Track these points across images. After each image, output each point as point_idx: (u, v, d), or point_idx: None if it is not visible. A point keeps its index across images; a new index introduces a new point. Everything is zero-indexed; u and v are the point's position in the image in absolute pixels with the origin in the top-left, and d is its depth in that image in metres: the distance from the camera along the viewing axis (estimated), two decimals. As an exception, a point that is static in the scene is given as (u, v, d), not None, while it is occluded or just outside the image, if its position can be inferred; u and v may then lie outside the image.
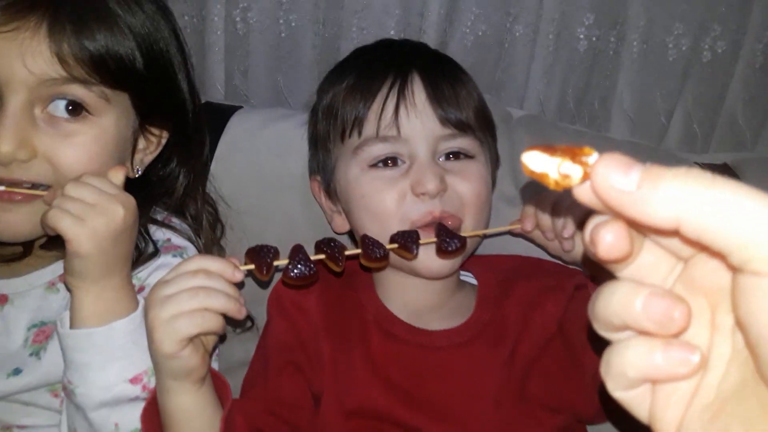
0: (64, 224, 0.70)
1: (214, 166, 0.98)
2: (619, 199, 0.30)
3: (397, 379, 0.81)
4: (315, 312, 0.85)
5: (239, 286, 0.72)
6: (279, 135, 1.02)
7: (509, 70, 1.25)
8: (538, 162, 0.33)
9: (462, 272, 0.93)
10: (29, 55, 0.72)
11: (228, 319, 0.72)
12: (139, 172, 0.85)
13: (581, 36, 1.22)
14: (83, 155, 0.76)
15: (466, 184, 0.83)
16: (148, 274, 0.83)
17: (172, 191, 0.90)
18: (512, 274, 0.91)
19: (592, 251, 0.33)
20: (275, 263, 0.74)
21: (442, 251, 0.79)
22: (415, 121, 0.82)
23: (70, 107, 0.75)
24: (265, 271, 0.73)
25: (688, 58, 1.22)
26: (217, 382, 0.76)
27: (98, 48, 0.74)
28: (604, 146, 0.97)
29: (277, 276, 0.84)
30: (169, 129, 0.86)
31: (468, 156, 0.85)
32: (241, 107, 1.09)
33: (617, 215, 0.32)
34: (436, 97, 0.82)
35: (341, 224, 0.92)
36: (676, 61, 1.23)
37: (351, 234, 0.95)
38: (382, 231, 0.80)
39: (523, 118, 1.11)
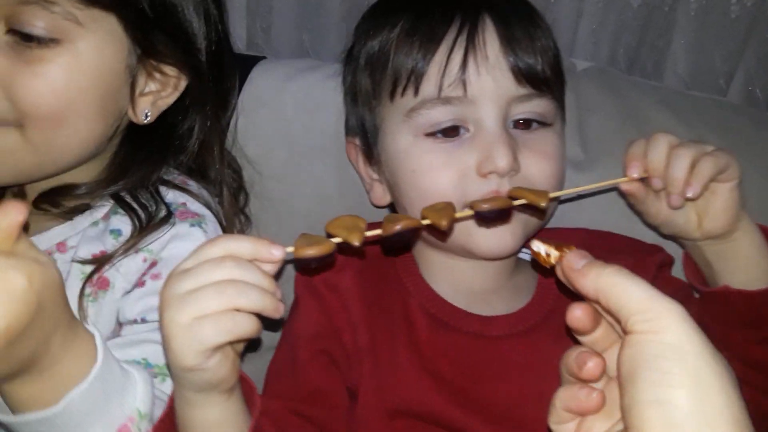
0: None
1: (238, 123, 0.88)
2: (570, 274, 0.50)
3: (449, 374, 0.70)
4: (351, 293, 0.74)
5: (276, 277, 0.58)
6: (308, 88, 0.91)
7: (555, 27, 1.10)
8: (538, 245, 0.53)
9: (523, 251, 0.82)
10: None
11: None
12: (148, 118, 0.73)
13: (634, -10, 1.12)
14: (47, 89, 0.64)
15: (542, 164, 0.70)
16: (162, 245, 0.72)
17: (185, 147, 0.79)
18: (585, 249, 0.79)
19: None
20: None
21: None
22: (486, 77, 0.68)
23: (30, 36, 0.63)
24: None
25: (753, 15, 1.11)
26: (242, 384, 0.63)
27: None
28: (679, 101, 0.89)
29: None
30: (187, 72, 0.75)
31: (544, 123, 0.72)
32: (264, 57, 0.98)
33: (574, 289, 0.50)
34: (512, 48, 0.69)
35: (381, 196, 0.80)
36: (738, 19, 1.12)
37: (392, 207, 0.84)
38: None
39: (591, 69, 1.00)
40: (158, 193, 0.76)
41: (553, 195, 0.65)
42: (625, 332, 0.45)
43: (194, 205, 0.77)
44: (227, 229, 0.79)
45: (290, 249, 0.56)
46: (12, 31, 0.64)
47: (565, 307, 0.65)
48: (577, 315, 0.50)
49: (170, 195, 0.77)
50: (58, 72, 0.65)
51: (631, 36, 1.15)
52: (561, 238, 0.80)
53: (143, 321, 0.68)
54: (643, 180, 0.71)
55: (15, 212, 0.48)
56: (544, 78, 0.70)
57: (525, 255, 0.82)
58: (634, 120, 0.90)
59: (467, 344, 0.72)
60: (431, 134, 0.70)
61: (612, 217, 0.85)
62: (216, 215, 0.78)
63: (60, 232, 0.73)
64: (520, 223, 0.71)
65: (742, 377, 0.63)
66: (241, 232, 0.83)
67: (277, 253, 0.55)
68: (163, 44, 0.72)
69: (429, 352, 0.71)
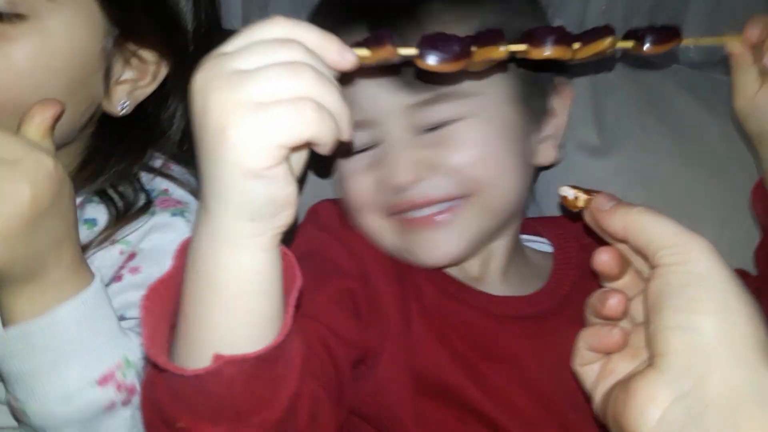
0: None
1: None
2: (599, 215, 0.50)
3: (461, 348, 0.66)
4: (370, 252, 0.68)
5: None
6: None
7: (563, 9, 1.10)
8: (566, 190, 0.54)
9: (531, 238, 0.78)
10: None
11: None
12: (126, 109, 0.67)
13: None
14: (9, 71, 0.58)
15: (461, 155, 0.64)
16: (141, 237, 0.67)
17: (167, 135, 0.74)
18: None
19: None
20: (399, 50, 0.48)
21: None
22: (375, 94, 0.63)
23: None
24: (390, 49, 0.47)
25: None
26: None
27: None
28: (701, 84, 0.84)
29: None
30: (169, 59, 0.68)
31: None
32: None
33: (602, 230, 0.51)
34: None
35: None
36: (754, -2, 1.09)
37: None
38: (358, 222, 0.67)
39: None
40: (138, 180, 0.70)
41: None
42: (653, 266, 0.47)
43: (177, 192, 0.72)
44: None
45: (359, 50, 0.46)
46: None
47: (582, 295, 0.62)
48: (604, 259, 0.51)
49: (153, 182, 0.72)
50: (23, 52, 0.58)
51: (642, 18, 1.10)
52: (575, 226, 0.78)
53: (122, 318, 0.63)
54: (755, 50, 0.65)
55: (51, 108, 0.54)
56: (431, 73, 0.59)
57: (538, 244, 0.78)
58: (653, 103, 0.87)
59: (474, 319, 0.67)
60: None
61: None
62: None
63: None
64: (461, 226, 0.66)
65: None
66: None
67: (350, 57, 0.43)
68: (145, 24, 0.65)
69: (439, 322, 0.66)
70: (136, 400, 0.57)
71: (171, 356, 0.47)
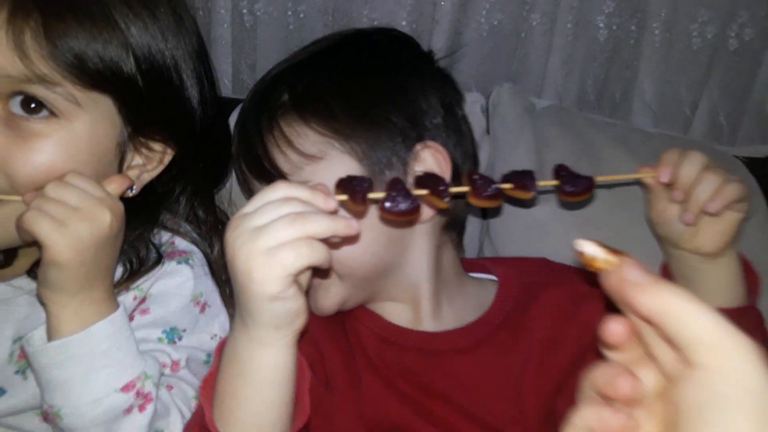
0: (43, 228, 0.62)
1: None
2: (624, 286, 0.42)
3: (407, 389, 0.74)
4: (319, 329, 0.77)
5: None
6: None
7: (526, 60, 1.21)
8: (584, 245, 0.47)
9: (480, 275, 0.86)
10: None
11: None
12: (133, 192, 0.75)
13: (601, 25, 1.18)
14: (44, 163, 0.66)
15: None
16: (151, 283, 0.76)
17: (174, 209, 0.83)
18: (539, 276, 0.83)
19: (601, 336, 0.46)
20: (370, 195, 0.64)
21: (566, 194, 0.73)
22: None
23: (32, 105, 0.66)
24: (360, 200, 0.63)
25: (714, 47, 1.17)
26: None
27: (72, 45, 0.66)
28: (633, 137, 0.94)
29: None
30: (174, 146, 0.76)
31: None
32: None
33: (624, 304, 0.43)
34: None
35: None
36: (701, 50, 1.18)
37: None
38: None
39: (549, 108, 1.06)
40: (150, 240, 0.78)
41: (600, 179, 0.74)
42: (686, 363, 0.40)
43: (182, 244, 0.81)
44: (216, 272, 0.82)
45: (339, 197, 0.62)
46: (9, 110, 0.67)
47: (515, 325, 0.73)
48: (616, 331, 0.45)
49: (158, 233, 0.81)
50: (54, 147, 0.67)
51: (599, 68, 1.21)
52: (519, 264, 0.87)
53: None
54: (666, 184, 0.76)
55: (126, 181, 0.70)
56: None
57: (480, 276, 0.86)
58: (589, 156, 0.96)
59: (413, 360, 0.74)
60: None
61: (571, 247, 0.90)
62: (202, 250, 0.82)
63: None
64: (336, 284, 0.75)
65: None
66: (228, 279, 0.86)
67: (332, 203, 0.60)
68: (155, 123, 0.74)
69: (384, 370, 0.74)
70: (151, 407, 0.67)
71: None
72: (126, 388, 0.66)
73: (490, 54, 1.19)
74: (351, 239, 0.62)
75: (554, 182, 0.72)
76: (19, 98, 0.66)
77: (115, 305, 0.69)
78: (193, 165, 0.79)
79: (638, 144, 0.99)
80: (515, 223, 0.94)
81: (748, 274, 0.78)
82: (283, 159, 0.75)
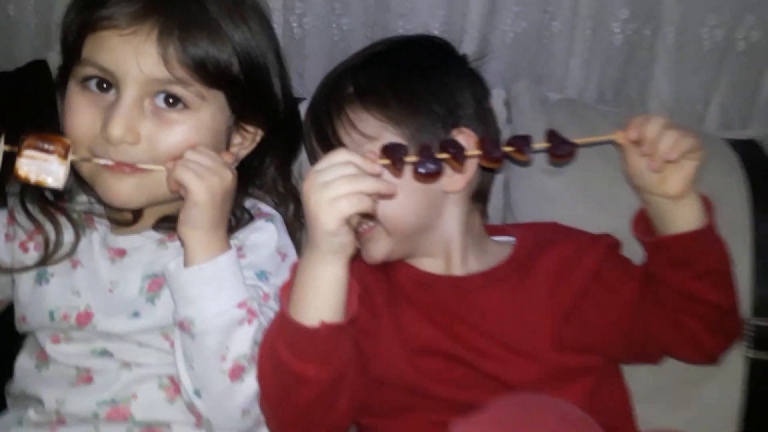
0: (188, 177, 0.82)
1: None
2: None
3: (438, 318, 0.91)
4: (364, 271, 0.93)
5: None
6: None
7: (549, 64, 1.32)
8: None
9: (501, 238, 1.02)
10: (142, 57, 0.85)
11: None
12: (234, 165, 0.95)
13: (617, 30, 1.28)
14: (181, 140, 0.87)
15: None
16: (246, 236, 0.94)
17: (263, 180, 1.02)
18: (550, 234, 0.99)
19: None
20: (406, 159, 0.82)
21: (555, 156, 0.89)
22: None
23: (170, 99, 0.87)
24: (399, 166, 0.82)
25: (723, 48, 1.26)
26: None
27: (198, 53, 0.87)
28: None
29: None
30: (264, 128, 0.97)
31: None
32: (303, 98, 1.18)
33: None
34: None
35: None
36: (711, 52, 1.27)
37: None
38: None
39: (562, 101, 1.18)
40: (242, 206, 0.98)
41: (581, 141, 0.90)
42: None
43: (265, 208, 1.01)
44: (290, 229, 1.01)
45: (382, 162, 0.82)
46: (154, 103, 0.87)
47: (529, 265, 0.93)
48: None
49: (249, 202, 1.00)
50: (187, 129, 0.88)
51: (616, 70, 1.31)
52: (535, 228, 1.03)
53: None
54: (635, 142, 0.91)
55: (232, 156, 0.92)
56: None
57: (501, 239, 1.03)
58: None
59: (444, 294, 0.93)
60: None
61: (579, 212, 1.06)
62: (282, 214, 1.01)
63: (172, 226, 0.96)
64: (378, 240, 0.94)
65: (682, 307, 0.89)
66: (300, 232, 1.05)
67: (377, 167, 0.80)
68: (252, 111, 0.95)
69: (420, 303, 0.92)
70: (256, 321, 0.84)
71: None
72: (241, 305, 0.84)
73: (516, 58, 1.30)
74: (390, 196, 0.82)
75: (546, 145, 0.87)
76: (162, 96, 0.87)
77: (230, 246, 0.87)
78: (277, 143, 1.00)
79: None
80: (531, 194, 1.09)
81: (707, 206, 0.93)
82: (348, 138, 0.93)
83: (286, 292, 0.84)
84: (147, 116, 0.86)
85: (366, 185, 0.77)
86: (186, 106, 0.88)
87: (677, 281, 0.90)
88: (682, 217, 0.90)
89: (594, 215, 1.05)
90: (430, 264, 0.96)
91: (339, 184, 0.76)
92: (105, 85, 0.88)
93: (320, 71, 1.30)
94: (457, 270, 0.96)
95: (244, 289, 0.85)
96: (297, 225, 1.01)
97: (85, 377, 0.91)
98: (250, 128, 0.96)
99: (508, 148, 0.86)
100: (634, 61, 1.30)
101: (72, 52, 0.89)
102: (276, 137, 1.00)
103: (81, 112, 0.88)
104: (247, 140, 0.97)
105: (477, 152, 0.86)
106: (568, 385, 0.87)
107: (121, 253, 0.95)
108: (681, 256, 0.89)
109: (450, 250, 0.96)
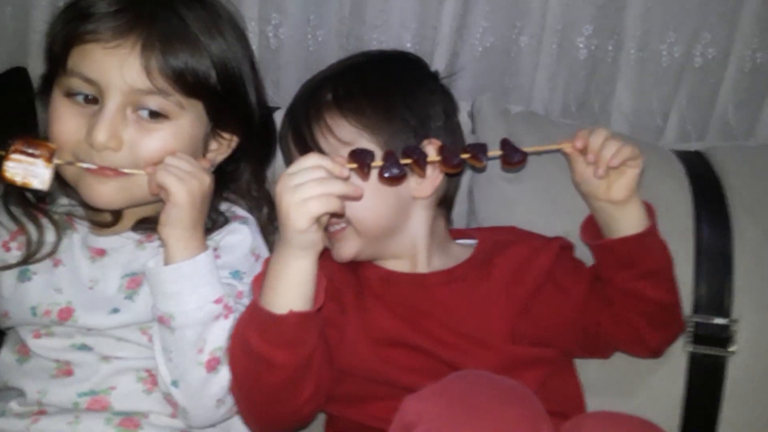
0: (170, 180, 0.87)
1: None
2: None
3: (403, 311, 0.96)
4: (334, 270, 0.99)
5: None
6: None
7: (516, 77, 1.37)
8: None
9: (464, 241, 1.09)
10: (126, 68, 0.89)
11: None
12: (210, 169, 0.99)
13: (581, 45, 1.34)
14: (161, 147, 0.92)
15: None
16: (221, 237, 0.99)
17: (237, 184, 1.07)
18: (508, 237, 1.06)
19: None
20: (372, 164, 0.88)
21: (507, 163, 0.95)
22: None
23: (152, 114, 0.93)
24: (365, 170, 0.88)
25: (681, 64, 1.33)
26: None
27: (179, 65, 0.91)
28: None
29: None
30: (239, 135, 1.02)
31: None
32: (278, 108, 1.23)
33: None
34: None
35: None
36: (670, 67, 1.34)
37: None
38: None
39: (522, 113, 1.23)
40: (218, 209, 1.02)
41: (531, 149, 0.97)
42: None
43: (240, 211, 1.05)
44: (263, 231, 1.05)
45: (350, 166, 0.87)
46: (137, 112, 0.92)
47: (487, 264, 1.00)
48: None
49: (224, 205, 1.04)
50: (169, 137, 0.93)
51: (581, 83, 1.36)
52: (495, 231, 1.10)
53: None
54: (581, 151, 0.98)
55: (208, 163, 0.95)
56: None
57: (464, 242, 1.09)
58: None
59: (408, 290, 0.99)
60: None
61: (537, 217, 1.13)
62: (256, 217, 1.06)
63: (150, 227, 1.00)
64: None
65: (627, 305, 0.96)
66: (273, 235, 1.09)
67: (345, 171, 0.85)
68: (228, 119, 1.00)
69: (386, 299, 0.98)
70: (232, 317, 0.89)
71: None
72: (218, 301, 0.89)
73: (484, 72, 1.35)
74: (356, 198, 0.88)
75: (500, 153, 0.94)
76: (146, 111, 0.92)
77: (207, 246, 0.92)
78: (251, 149, 1.05)
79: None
80: (493, 200, 1.16)
81: (650, 211, 0.99)
82: (325, 142, 0.98)
83: (258, 282, 0.89)
84: (130, 124, 0.91)
85: (334, 188, 0.83)
86: (167, 116, 0.93)
87: (622, 281, 0.96)
88: (626, 222, 0.97)
89: (550, 220, 1.11)
90: (397, 265, 1.02)
91: (309, 186, 0.81)
92: (90, 98, 0.92)
93: (295, 81, 1.35)
94: (422, 268, 1.02)
95: (221, 287, 0.90)
96: (270, 228, 1.06)
97: (66, 370, 0.94)
98: (226, 135, 1.01)
99: (465, 155, 0.92)
100: (597, 75, 1.36)
101: (57, 62, 0.93)
102: (251, 143, 1.04)
103: (66, 119, 0.93)
104: (222, 146, 1.02)
105: (437, 158, 0.91)
106: (522, 375, 0.92)
107: (101, 252, 0.99)
108: (625, 257, 0.96)
109: (416, 252, 1.02)
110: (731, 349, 1.07)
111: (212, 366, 0.88)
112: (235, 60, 0.98)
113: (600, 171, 0.95)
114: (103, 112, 0.89)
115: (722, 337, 1.07)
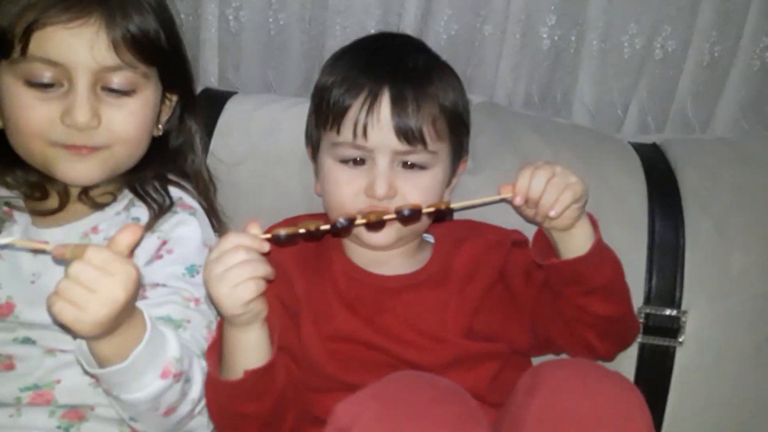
0: (67, 317, 0.73)
1: (214, 143, 1.15)
2: None
3: (362, 311, 0.97)
4: (290, 255, 0.99)
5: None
6: (270, 116, 1.18)
7: (479, 67, 1.37)
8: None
9: (426, 234, 1.08)
10: (95, 46, 0.89)
11: None
12: (161, 131, 1.03)
13: (545, 36, 1.34)
14: (134, 121, 0.94)
15: (415, 192, 0.96)
16: (171, 228, 0.97)
17: (185, 150, 1.07)
18: (464, 233, 1.06)
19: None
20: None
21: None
22: (379, 134, 0.94)
23: (121, 90, 0.93)
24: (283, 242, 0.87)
25: (642, 56, 1.34)
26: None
27: (138, 33, 0.92)
28: (546, 126, 1.16)
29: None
30: (179, 93, 1.04)
31: (421, 167, 0.97)
32: (236, 92, 1.22)
33: None
34: (398, 115, 0.94)
35: (319, 189, 1.05)
36: (631, 59, 1.35)
37: None
38: (338, 215, 0.92)
39: (481, 104, 1.22)
40: (165, 189, 1.01)
41: (455, 205, 0.97)
42: None
43: (188, 199, 1.03)
44: (210, 218, 1.05)
45: (267, 235, 0.86)
46: (106, 88, 0.92)
47: (446, 266, 1.01)
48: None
49: (171, 191, 1.02)
50: (139, 109, 0.95)
51: (543, 73, 1.37)
52: (453, 226, 1.10)
53: (165, 285, 0.94)
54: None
55: (138, 232, 0.77)
56: (421, 139, 0.94)
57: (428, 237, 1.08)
58: (509, 140, 1.17)
59: (371, 292, 0.99)
60: (344, 161, 0.97)
61: (495, 209, 1.07)
62: (203, 207, 1.04)
63: (93, 219, 0.97)
64: (393, 229, 0.97)
65: (575, 317, 0.97)
66: (220, 223, 1.08)
67: (266, 246, 0.85)
68: (173, 79, 1.01)
69: (348, 298, 0.98)
70: (183, 377, 0.84)
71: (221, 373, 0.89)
72: (164, 375, 0.82)
73: (447, 61, 1.34)
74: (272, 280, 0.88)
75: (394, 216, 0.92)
76: (117, 91, 0.93)
77: (143, 320, 0.80)
78: (191, 105, 1.07)
79: (550, 131, 1.20)
80: (454, 192, 1.11)
81: (593, 223, 0.98)
82: (429, 139, 0.96)
83: (212, 353, 0.90)
84: (103, 100, 0.92)
85: (259, 271, 0.83)
86: (134, 90, 0.94)
87: (569, 296, 0.96)
88: (573, 244, 0.95)
89: (508, 211, 1.07)
90: (364, 255, 1.02)
91: (233, 273, 0.82)
92: (49, 82, 0.90)
93: (256, 65, 1.36)
94: (388, 269, 1.02)
95: (166, 353, 0.82)
96: (215, 215, 1.06)
97: (7, 364, 0.91)
98: (168, 94, 1.03)
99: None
100: (559, 65, 1.37)
101: (3, 51, 0.90)
102: (190, 97, 1.07)
103: (35, 108, 0.91)
104: (166, 107, 1.04)
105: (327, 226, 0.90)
106: (475, 368, 0.93)
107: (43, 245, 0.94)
108: (570, 277, 0.95)
109: (389, 255, 1.02)
110: (680, 339, 1.08)
111: (169, 413, 0.86)
112: (171, 17, 0.99)
113: (539, 219, 0.94)
114: (78, 92, 0.89)
115: (672, 328, 1.08)
